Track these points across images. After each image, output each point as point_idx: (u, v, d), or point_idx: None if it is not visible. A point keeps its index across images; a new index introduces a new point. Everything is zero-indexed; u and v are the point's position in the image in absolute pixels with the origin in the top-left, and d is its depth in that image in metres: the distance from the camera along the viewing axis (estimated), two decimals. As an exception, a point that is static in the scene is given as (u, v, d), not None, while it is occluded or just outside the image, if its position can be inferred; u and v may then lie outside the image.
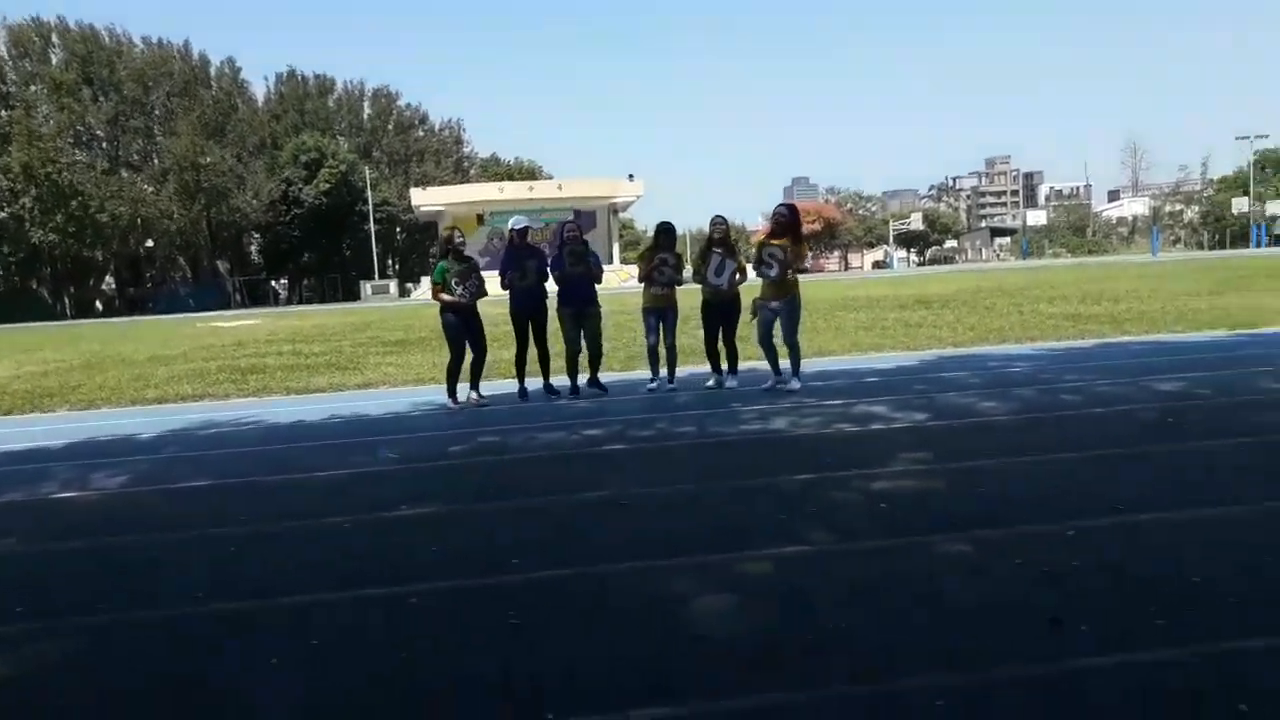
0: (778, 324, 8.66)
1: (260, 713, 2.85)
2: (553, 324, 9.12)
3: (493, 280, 9.02)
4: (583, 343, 9.09)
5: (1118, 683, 2.66)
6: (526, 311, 9.08)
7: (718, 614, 3.35)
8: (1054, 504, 4.45)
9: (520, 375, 9.21)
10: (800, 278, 8.76)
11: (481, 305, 8.99)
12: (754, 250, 8.83)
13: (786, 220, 8.61)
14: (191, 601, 3.76)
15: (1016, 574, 3.56)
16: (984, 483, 4.99)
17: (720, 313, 9.02)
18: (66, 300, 68.32)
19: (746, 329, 9.12)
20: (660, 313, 9.10)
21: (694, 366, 9.66)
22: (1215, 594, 3.25)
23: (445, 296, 8.77)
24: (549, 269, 9.09)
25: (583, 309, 9.05)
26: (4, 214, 59.01)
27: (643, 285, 9.19)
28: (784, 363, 8.77)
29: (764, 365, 8.91)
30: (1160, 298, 18.00)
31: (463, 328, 8.84)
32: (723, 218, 9.15)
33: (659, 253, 9.05)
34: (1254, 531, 3.93)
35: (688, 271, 9.18)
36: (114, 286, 74.25)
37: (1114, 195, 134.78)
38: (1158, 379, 8.21)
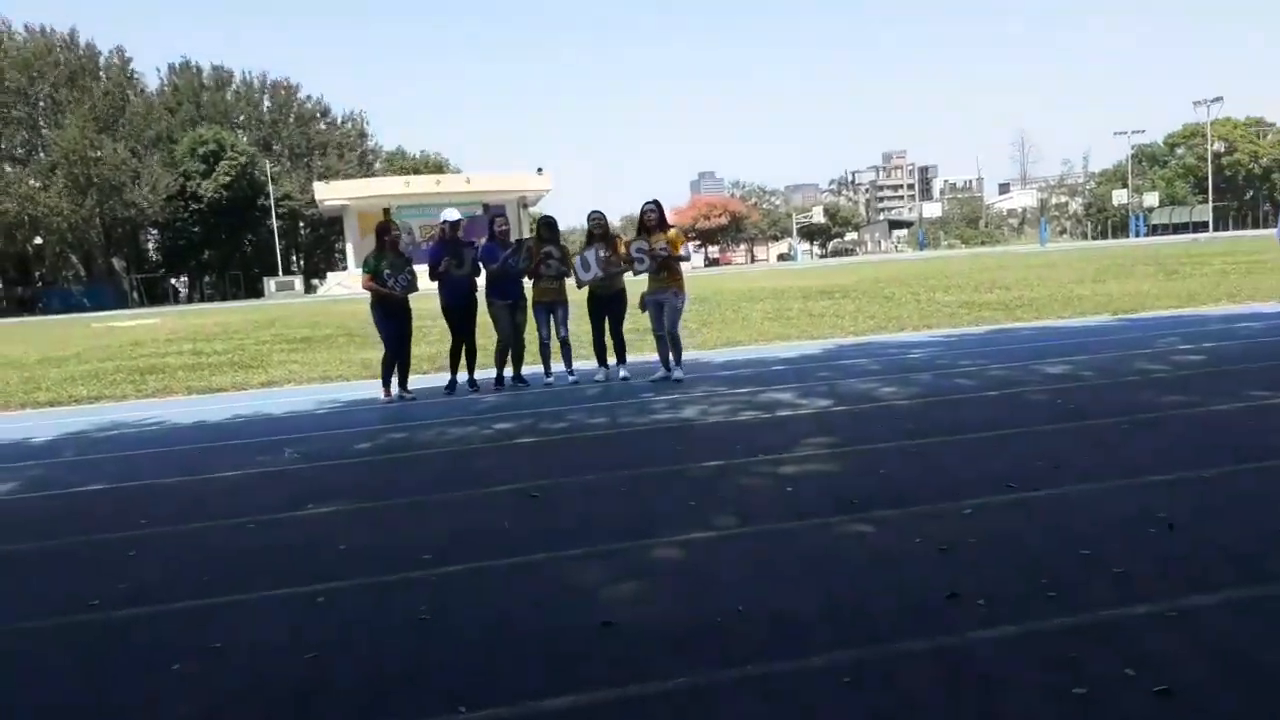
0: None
1: (163, 717, 2.79)
2: (482, 317, 9.09)
3: (422, 274, 8.91)
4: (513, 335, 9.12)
5: (1014, 653, 2.79)
6: (458, 304, 9.03)
7: (627, 600, 3.40)
8: (951, 484, 4.63)
9: (454, 369, 9.16)
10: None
11: (411, 299, 8.90)
12: (626, 248, 8.95)
13: (656, 216, 8.80)
14: (87, 608, 3.65)
15: (916, 551, 3.70)
16: (884, 465, 5.15)
17: (606, 304, 9.11)
18: (-54, 301, 64.82)
19: (637, 321, 9.23)
20: (549, 306, 9.16)
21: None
22: (1102, 565, 3.43)
23: (376, 287, 8.64)
24: (481, 261, 9.05)
25: (517, 301, 9.08)
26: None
27: (531, 281, 9.21)
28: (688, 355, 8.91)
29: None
30: (1048, 285, 18.79)
31: (393, 321, 8.73)
32: (600, 212, 9.28)
33: (544, 246, 9.10)
34: (1138, 504, 4.15)
35: (572, 280, 9.24)
36: (1, 286, 70.66)
37: (1004, 188, 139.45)
38: (1047, 363, 8.57)
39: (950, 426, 6.08)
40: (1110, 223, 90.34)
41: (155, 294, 71.66)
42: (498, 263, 8.96)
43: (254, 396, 10.00)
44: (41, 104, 65.02)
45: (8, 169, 61.46)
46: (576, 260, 8.95)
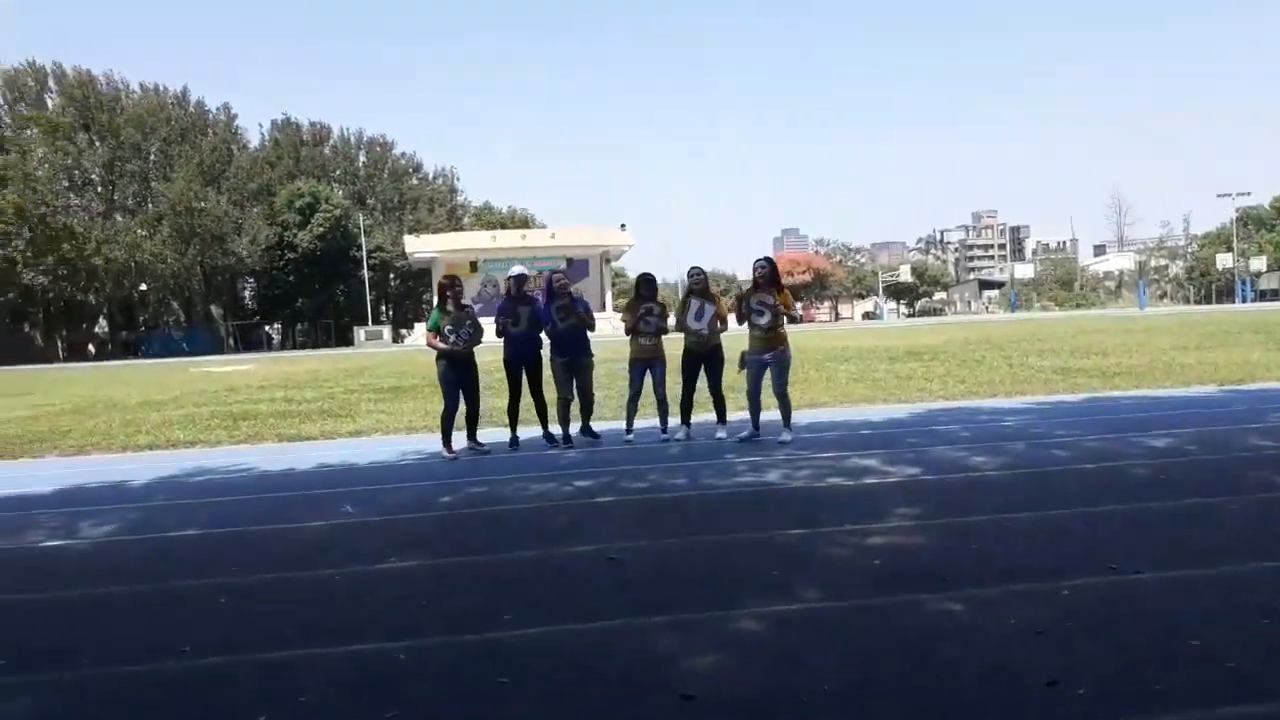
0: (768, 376, 8.70)
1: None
2: (546, 371, 9.16)
3: (490, 328, 9.04)
4: (574, 392, 9.12)
5: (1114, 748, 2.64)
6: (519, 360, 9.10)
7: (708, 673, 3.32)
8: (1048, 562, 4.45)
9: (513, 424, 9.21)
10: (790, 328, 8.82)
11: (480, 353, 9.00)
12: (735, 302, 8.89)
13: (767, 272, 8.70)
14: (178, 655, 3.72)
15: (1011, 633, 3.54)
16: (976, 539, 4.98)
17: (703, 361, 9.05)
18: (59, 343, 68.15)
19: (734, 379, 9.16)
20: (648, 363, 9.14)
21: (694, 416, 9.60)
22: (1214, 658, 3.23)
23: (438, 344, 8.79)
24: (542, 319, 9.13)
25: (576, 358, 9.09)
26: (-3, 256, 59.12)
27: (630, 337, 9.23)
28: (774, 415, 8.79)
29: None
30: (1148, 352, 18.12)
31: (456, 376, 8.84)
32: (700, 269, 9.22)
33: (643, 303, 9.13)
34: (1252, 593, 3.92)
35: (672, 320, 9.24)
36: (107, 330, 74.11)
37: (1100, 249, 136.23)
38: (1148, 435, 8.24)
39: (1046, 500, 5.86)
40: (1214, 287, 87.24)
41: (250, 340, 74.27)
42: (548, 324, 9.04)
43: (342, 445, 10.19)
44: (153, 158, 68.58)
45: (119, 219, 64.71)
46: (693, 307, 8.92)
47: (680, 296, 9.42)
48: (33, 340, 66.44)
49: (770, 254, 9.62)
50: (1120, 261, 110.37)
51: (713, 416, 9.25)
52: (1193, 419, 9.25)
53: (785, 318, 8.66)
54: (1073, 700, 2.93)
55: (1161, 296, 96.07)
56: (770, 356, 8.63)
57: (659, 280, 9.85)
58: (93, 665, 3.67)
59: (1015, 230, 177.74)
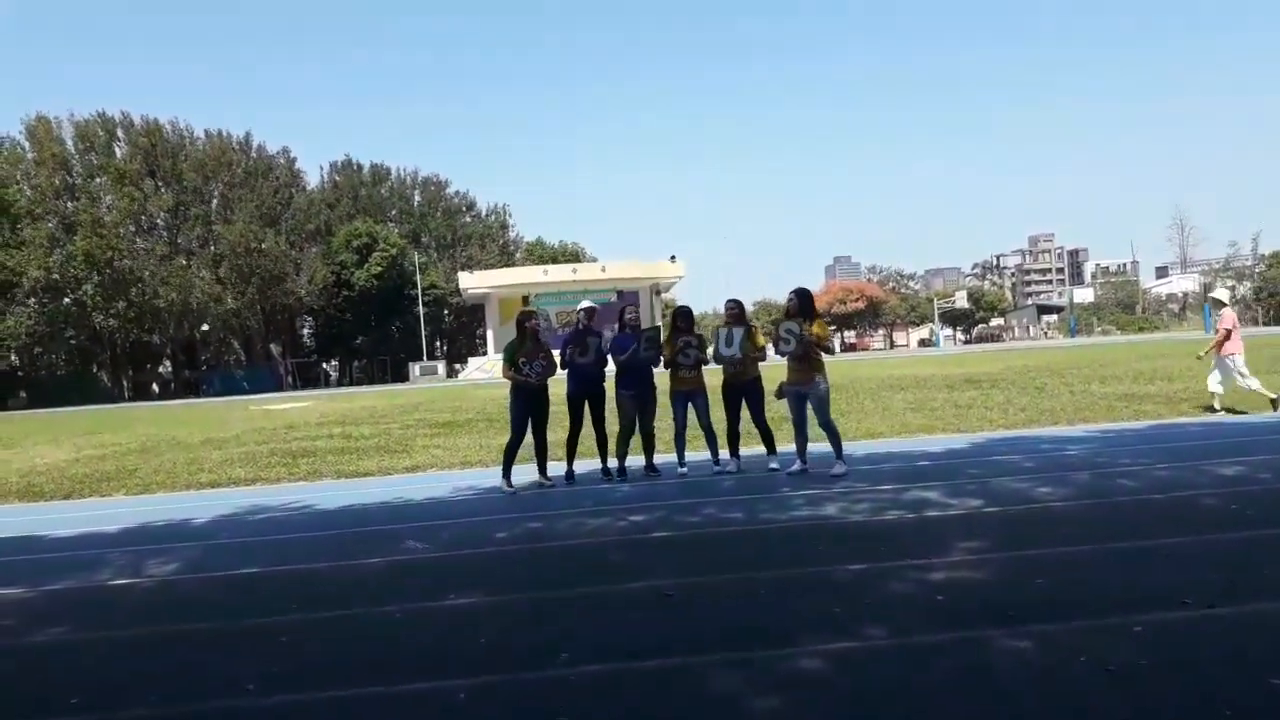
0: (811, 409, 8.61)
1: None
2: (609, 405, 9.19)
3: (556, 358, 9.11)
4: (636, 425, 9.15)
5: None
6: (584, 392, 9.14)
7: (768, 713, 3.27)
8: (1118, 597, 4.32)
9: (570, 458, 9.23)
10: (844, 356, 8.77)
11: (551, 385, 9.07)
12: (772, 329, 8.87)
13: (796, 306, 8.65)
14: (244, 694, 3.76)
15: (1081, 672, 3.44)
16: (1043, 573, 4.85)
17: (742, 392, 9.01)
18: (125, 383, 70.02)
19: (779, 410, 9.09)
20: (689, 395, 9.14)
21: (746, 448, 9.53)
22: (1293, 696, 3.11)
23: (513, 376, 8.88)
24: (609, 352, 9.18)
25: (643, 393, 9.13)
26: (68, 300, 61.09)
27: (669, 370, 9.23)
28: (826, 446, 8.69)
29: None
30: (1217, 376, 17.59)
31: (527, 409, 8.91)
32: (737, 300, 9.25)
33: (680, 336, 9.14)
34: (1331, 628, 3.77)
35: (710, 350, 9.23)
36: (170, 369, 76.03)
37: (1162, 271, 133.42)
38: (1219, 463, 7.99)
39: (1114, 532, 5.70)
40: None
41: (308, 377, 75.61)
42: (626, 354, 9.06)
43: (398, 481, 10.30)
44: (215, 201, 70.62)
45: (182, 261, 66.58)
46: (720, 334, 8.92)
47: (717, 328, 9.43)
48: (100, 381, 68.34)
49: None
50: (1184, 283, 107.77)
51: (763, 449, 9.20)
52: (1264, 446, 8.97)
53: (821, 349, 8.57)
54: (1149, 743, 2.84)
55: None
56: (805, 387, 8.55)
57: (711, 311, 9.88)
58: (160, 704, 3.73)
59: (1074, 253, 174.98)
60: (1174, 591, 4.32)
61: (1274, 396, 11.77)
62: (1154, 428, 11.02)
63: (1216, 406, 12.14)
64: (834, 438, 8.63)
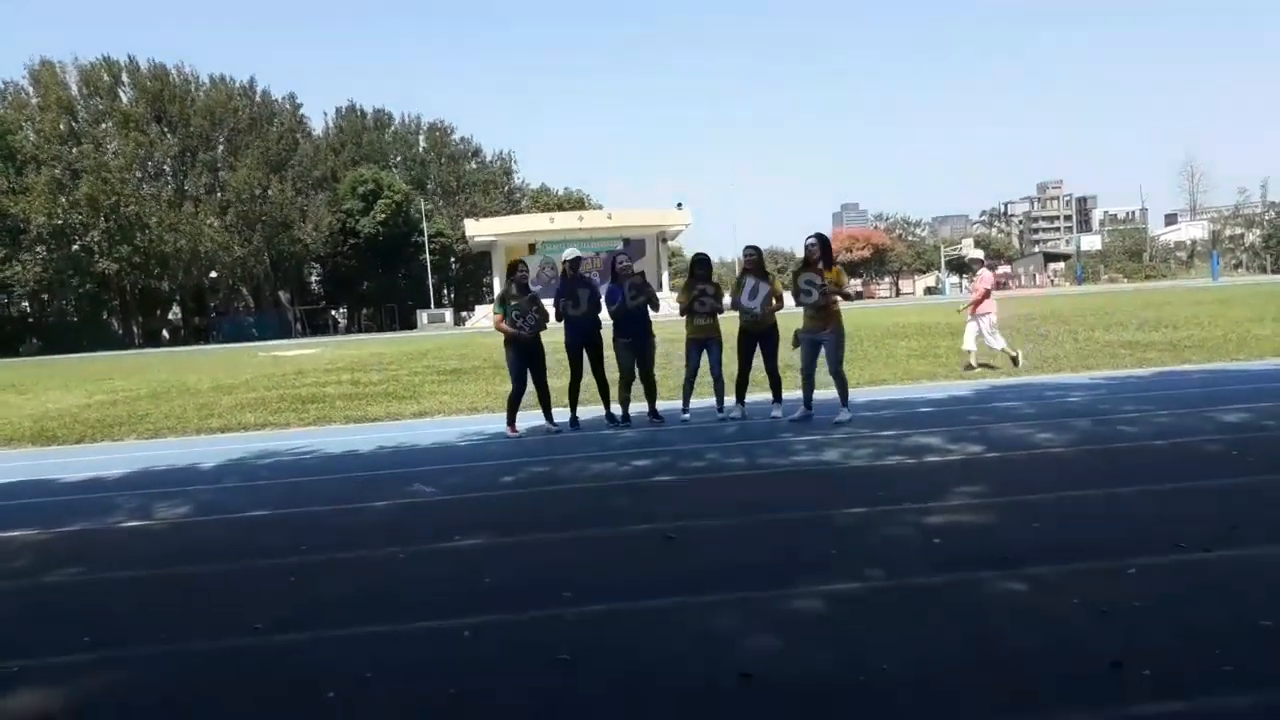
0: (822, 355, 8.63)
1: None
2: (607, 351, 9.22)
3: (551, 311, 9.13)
4: (636, 372, 9.17)
5: (1179, 729, 2.60)
6: (580, 341, 9.17)
7: (766, 652, 3.34)
8: (1113, 540, 4.37)
9: (573, 404, 9.29)
10: (848, 305, 8.71)
11: (544, 336, 9.11)
12: (791, 280, 8.83)
13: (817, 252, 8.60)
14: (252, 632, 3.85)
15: (1074, 613, 3.50)
16: (1040, 518, 4.90)
17: (759, 339, 9.01)
18: (135, 329, 70.33)
19: (790, 358, 9.11)
20: (704, 344, 9.13)
21: (751, 396, 9.56)
22: (1283, 638, 3.16)
23: (506, 328, 8.92)
24: (604, 301, 9.17)
25: (639, 339, 9.13)
26: (75, 246, 61.08)
27: (685, 318, 9.23)
28: (831, 394, 8.73)
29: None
30: (1222, 324, 17.57)
31: (523, 359, 8.96)
32: (755, 247, 9.18)
33: (697, 284, 9.11)
34: (1322, 571, 3.82)
35: (727, 299, 9.21)
36: (180, 316, 76.26)
37: (1171, 219, 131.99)
38: (1221, 409, 8.01)
39: (1112, 478, 5.75)
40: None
41: (317, 324, 75.79)
42: (615, 305, 9.07)
43: (406, 426, 10.39)
44: (221, 148, 70.21)
45: (189, 207, 66.41)
46: (746, 288, 8.91)
47: (736, 275, 9.37)
48: (110, 327, 68.62)
49: (829, 229, 9.58)
50: (1193, 231, 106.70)
51: (769, 396, 9.23)
52: (1268, 393, 8.98)
53: (839, 296, 8.57)
54: (1137, 681, 2.90)
55: (1236, 266, 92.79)
56: (824, 335, 8.56)
57: (716, 259, 9.86)
58: (169, 641, 3.82)
59: (1082, 201, 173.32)
60: (1170, 536, 4.36)
61: (1014, 354, 12.44)
62: (1158, 375, 11.03)
63: (972, 364, 12.59)
64: (842, 386, 8.65)
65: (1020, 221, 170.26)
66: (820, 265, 8.51)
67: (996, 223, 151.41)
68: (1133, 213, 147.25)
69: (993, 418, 8.39)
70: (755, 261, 9.05)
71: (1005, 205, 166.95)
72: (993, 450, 6.86)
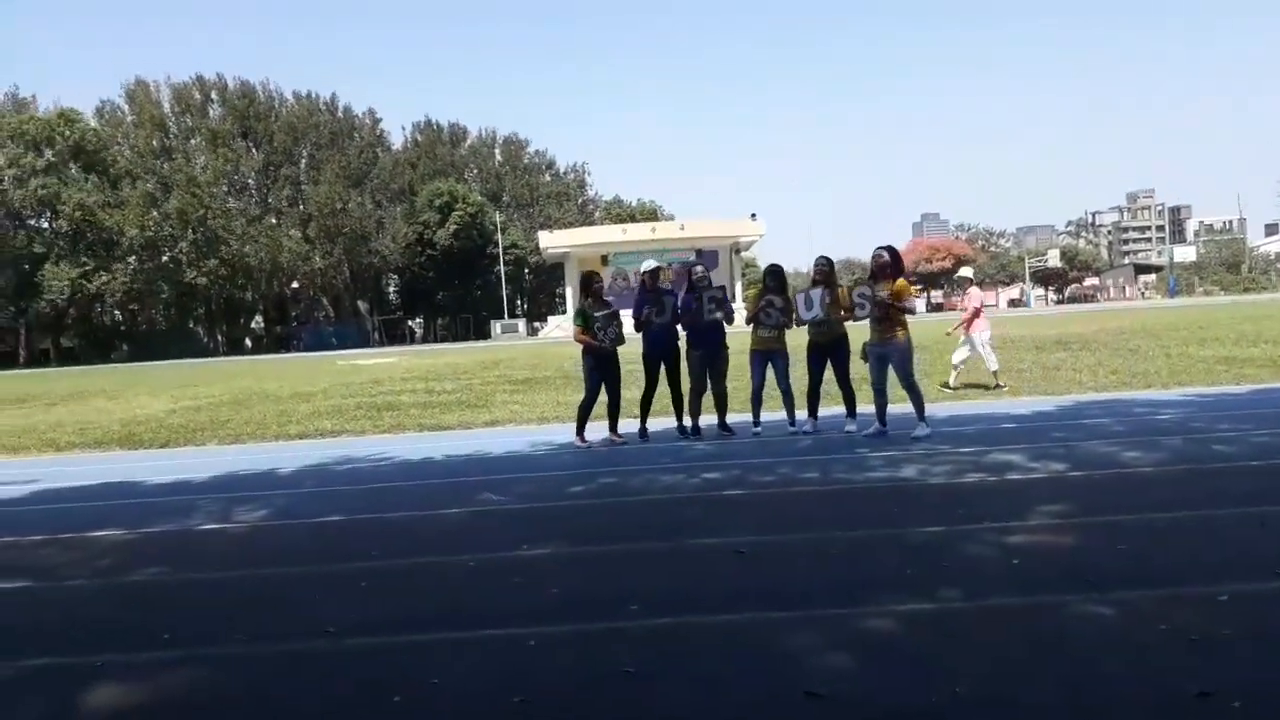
0: (892, 369, 8.45)
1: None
2: (683, 363, 9.19)
3: (627, 322, 9.12)
4: (708, 384, 9.12)
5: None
6: (660, 352, 9.15)
7: (836, 671, 3.25)
8: (1205, 565, 4.17)
9: (644, 416, 9.27)
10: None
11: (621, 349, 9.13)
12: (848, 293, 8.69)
13: (885, 261, 8.42)
14: (324, 635, 3.89)
15: (1162, 640, 3.34)
16: (1127, 540, 4.70)
17: (827, 352, 8.87)
18: (219, 337, 72.75)
19: (863, 371, 8.96)
20: (768, 355, 9.02)
21: (824, 409, 9.41)
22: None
23: (588, 339, 8.94)
24: (679, 311, 9.14)
25: (714, 351, 9.08)
26: (165, 257, 63.44)
27: (750, 327, 9.14)
28: (909, 408, 8.54)
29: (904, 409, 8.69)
30: (1325, 340, 16.76)
31: (601, 370, 8.98)
32: (826, 258, 9.05)
33: (766, 295, 9.01)
34: None
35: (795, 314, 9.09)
36: (262, 325, 78.61)
37: (1272, 229, 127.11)
38: (1323, 429, 7.63)
39: (1205, 500, 5.49)
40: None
41: (394, 334, 77.36)
42: (689, 315, 9.02)
43: (478, 435, 10.49)
44: (304, 162, 72.29)
45: (272, 220, 68.50)
46: (800, 297, 8.80)
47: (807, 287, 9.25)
48: (196, 335, 71.04)
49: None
50: None
51: (843, 409, 9.08)
52: (1375, 413, 8.51)
53: (900, 309, 8.37)
54: (1226, 713, 2.74)
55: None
56: (887, 349, 8.39)
57: (792, 270, 9.76)
58: (244, 643, 3.89)
59: (1175, 210, 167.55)
60: (1265, 562, 4.14)
61: (995, 369, 12.39)
62: (1256, 392, 10.56)
63: (951, 384, 12.32)
64: (916, 398, 8.46)
65: (1109, 232, 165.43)
66: (887, 277, 8.35)
67: (1084, 233, 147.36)
68: (1230, 222, 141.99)
69: (1079, 435, 8.11)
70: (826, 273, 8.93)
71: (1093, 215, 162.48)
72: (1078, 468, 6.62)
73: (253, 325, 79.49)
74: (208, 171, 66.23)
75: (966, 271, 12.10)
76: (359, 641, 3.83)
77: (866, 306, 8.35)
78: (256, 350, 69.84)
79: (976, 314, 12.68)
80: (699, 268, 9.47)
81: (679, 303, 9.20)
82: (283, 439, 11.12)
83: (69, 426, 13.59)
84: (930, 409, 8.76)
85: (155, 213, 62.15)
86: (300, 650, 3.78)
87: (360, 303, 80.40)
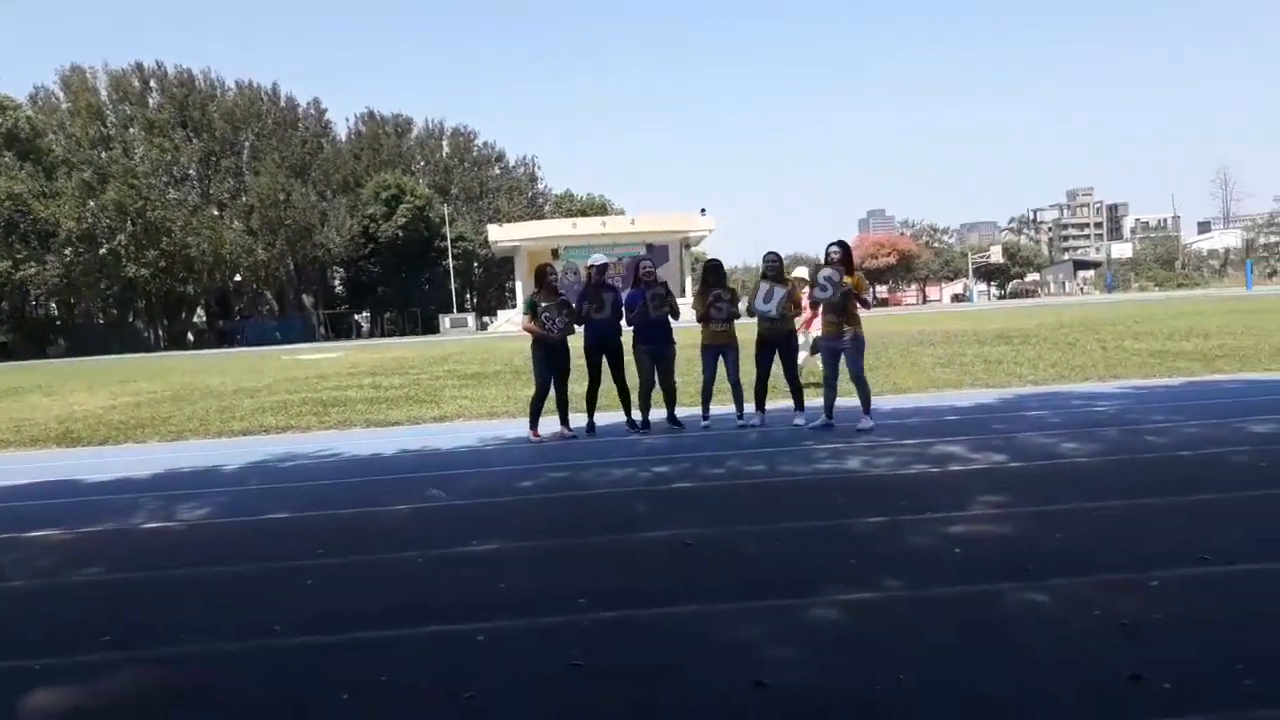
0: (844, 362, 8.58)
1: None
2: (627, 356, 9.22)
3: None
4: (656, 379, 9.17)
5: (1202, 745, 2.55)
6: (600, 346, 9.18)
7: (783, 661, 3.31)
8: (1137, 552, 4.31)
9: (590, 410, 9.29)
10: (875, 311, 8.69)
11: (570, 341, 9.13)
12: (811, 273, 8.80)
13: (839, 257, 8.54)
14: (269, 634, 3.86)
15: (1095, 626, 3.45)
16: (1063, 528, 4.84)
17: (777, 346, 8.97)
18: (160, 332, 71.08)
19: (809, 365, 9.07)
20: (720, 349, 9.12)
21: (772, 403, 9.51)
22: (1310, 653, 3.10)
23: (535, 329, 8.93)
24: (624, 308, 9.18)
25: (661, 348, 9.13)
26: (103, 250, 61.85)
27: (701, 324, 9.22)
28: (854, 401, 8.67)
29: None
30: (1254, 334, 17.30)
31: (550, 361, 8.98)
32: (775, 253, 9.15)
33: (711, 290, 9.10)
34: (1353, 586, 3.74)
35: (743, 304, 9.19)
36: (204, 319, 77.03)
37: (1204, 227, 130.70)
38: (1251, 420, 7.89)
39: (1138, 489, 5.67)
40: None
41: (340, 328, 76.30)
42: (634, 311, 9.07)
43: (427, 430, 10.42)
44: (245, 153, 70.96)
45: (214, 212, 67.13)
46: (760, 292, 8.87)
47: (756, 281, 9.35)
48: (136, 329, 69.42)
49: (855, 235, 9.47)
50: (1226, 239, 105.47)
51: (790, 403, 9.19)
52: (1299, 404, 8.83)
53: (858, 301, 8.52)
54: (1157, 695, 2.84)
55: (1271, 275, 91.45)
56: (840, 343, 8.52)
57: (741, 265, 9.85)
58: (189, 642, 3.83)
59: (1113, 208, 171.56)
60: (1195, 548, 4.29)
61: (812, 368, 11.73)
62: (1187, 384, 10.88)
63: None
64: (864, 392, 8.60)
65: (1050, 229, 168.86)
66: (844, 270, 8.47)
67: (1025, 230, 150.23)
68: (1165, 220, 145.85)
69: (1017, 427, 8.30)
70: (775, 267, 9.02)
71: (1034, 213, 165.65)
72: (1017, 459, 6.79)
73: (195, 319, 77.83)
74: (146, 162, 64.67)
75: (801, 272, 12.09)
76: (305, 640, 3.80)
77: (830, 289, 8.39)
78: (199, 345, 68.43)
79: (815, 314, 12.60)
80: (646, 263, 9.52)
81: (625, 299, 9.24)
82: (226, 435, 10.94)
83: (2, 424, 13.22)
84: (875, 402, 8.89)
85: (92, 203, 60.54)
86: (246, 649, 3.74)
87: (305, 296, 79.17)
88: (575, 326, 9.07)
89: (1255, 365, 12.34)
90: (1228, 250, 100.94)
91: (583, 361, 9.23)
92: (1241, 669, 2.98)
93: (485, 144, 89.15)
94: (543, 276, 9.25)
